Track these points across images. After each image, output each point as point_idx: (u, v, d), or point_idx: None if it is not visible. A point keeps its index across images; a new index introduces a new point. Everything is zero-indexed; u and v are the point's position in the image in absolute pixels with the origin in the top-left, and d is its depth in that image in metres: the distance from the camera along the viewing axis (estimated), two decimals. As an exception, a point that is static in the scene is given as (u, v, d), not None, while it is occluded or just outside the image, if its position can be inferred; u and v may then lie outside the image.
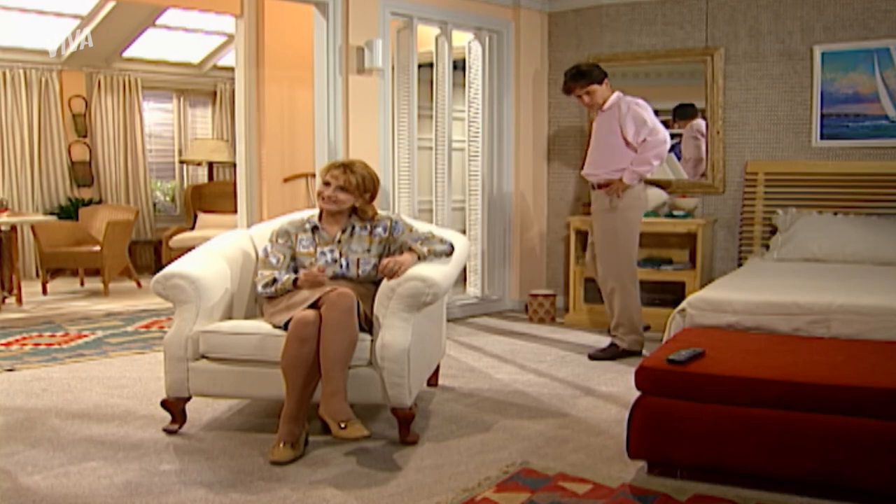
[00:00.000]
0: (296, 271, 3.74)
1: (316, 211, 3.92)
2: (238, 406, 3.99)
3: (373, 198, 3.89)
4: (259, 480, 3.05)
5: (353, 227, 3.83)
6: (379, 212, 3.94)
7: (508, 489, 2.94)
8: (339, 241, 3.79)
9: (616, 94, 5.21)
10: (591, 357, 5.07)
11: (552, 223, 6.85)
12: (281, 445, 3.24)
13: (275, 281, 3.67)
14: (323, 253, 3.78)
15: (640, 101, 5.17)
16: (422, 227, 4.05)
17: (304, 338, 3.29)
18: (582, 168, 5.44)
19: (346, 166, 3.81)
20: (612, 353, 5.08)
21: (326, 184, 3.79)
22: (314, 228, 3.84)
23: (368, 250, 3.79)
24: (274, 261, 3.76)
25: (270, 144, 6.77)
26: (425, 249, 3.71)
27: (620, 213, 5.11)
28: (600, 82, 5.16)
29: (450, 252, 3.82)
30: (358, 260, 3.76)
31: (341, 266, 3.75)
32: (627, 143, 5.08)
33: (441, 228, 4.30)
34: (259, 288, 3.72)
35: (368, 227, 3.84)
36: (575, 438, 3.54)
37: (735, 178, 6.13)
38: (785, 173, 5.91)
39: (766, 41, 5.95)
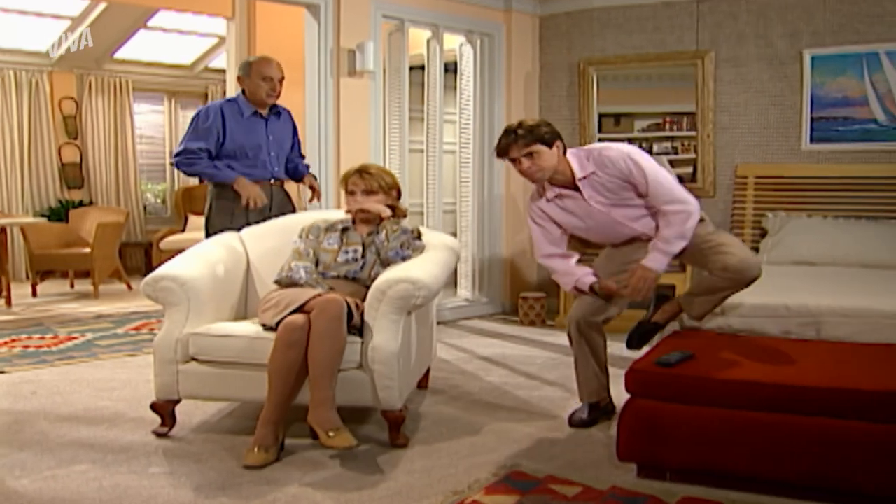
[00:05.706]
0: (317, 266, 3.77)
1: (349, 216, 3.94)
2: (228, 409, 3.98)
3: (399, 194, 3.93)
4: (248, 483, 3.04)
5: (383, 230, 3.82)
6: (404, 225, 3.91)
7: (498, 492, 2.94)
8: (364, 244, 3.82)
9: (579, 156, 3.69)
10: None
11: (543, 226, 6.83)
12: (255, 450, 3.21)
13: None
14: (346, 252, 3.80)
15: (638, 152, 3.65)
16: (435, 237, 4.07)
17: (291, 343, 3.27)
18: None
19: (361, 171, 3.86)
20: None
21: (351, 193, 3.83)
22: (345, 229, 3.87)
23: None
24: (305, 253, 3.79)
25: (261, 146, 6.74)
26: (398, 244, 3.74)
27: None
28: (549, 144, 3.64)
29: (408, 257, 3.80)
30: (374, 261, 3.77)
31: (358, 263, 3.76)
32: (640, 196, 3.65)
33: (432, 231, 4.30)
34: (281, 275, 3.75)
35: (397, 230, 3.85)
36: (565, 441, 3.55)
37: (725, 181, 6.14)
38: (775, 176, 5.92)
39: (757, 45, 5.97)
